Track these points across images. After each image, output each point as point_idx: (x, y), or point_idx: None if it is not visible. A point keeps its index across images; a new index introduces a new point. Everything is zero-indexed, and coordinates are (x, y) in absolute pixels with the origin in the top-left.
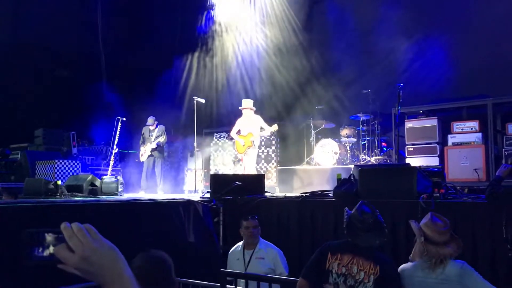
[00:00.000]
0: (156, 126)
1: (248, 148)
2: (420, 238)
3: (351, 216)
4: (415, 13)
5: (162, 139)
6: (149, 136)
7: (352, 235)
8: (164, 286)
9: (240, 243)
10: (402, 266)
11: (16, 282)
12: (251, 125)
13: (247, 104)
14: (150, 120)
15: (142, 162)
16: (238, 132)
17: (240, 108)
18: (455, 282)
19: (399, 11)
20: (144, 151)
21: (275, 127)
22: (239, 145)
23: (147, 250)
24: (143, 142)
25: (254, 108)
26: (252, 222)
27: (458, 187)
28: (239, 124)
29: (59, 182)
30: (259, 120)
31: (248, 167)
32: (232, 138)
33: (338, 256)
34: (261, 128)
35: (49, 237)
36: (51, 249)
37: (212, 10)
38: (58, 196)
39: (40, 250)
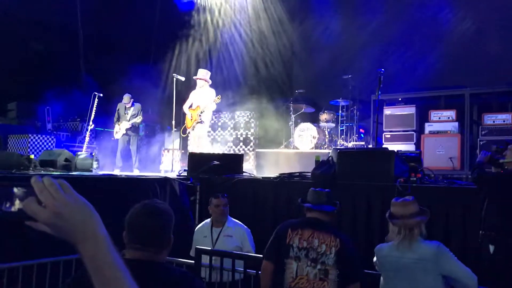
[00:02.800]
0: (132, 105)
1: (196, 123)
2: (387, 217)
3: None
4: (399, 2)
5: (139, 119)
6: (125, 114)
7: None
8: (160, 240)
9: (208, 220)
10: (378, 246)
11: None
12: (202, 98)
13: (200, 74)
14: (126, 97)
15: (117, 139)
16: (191, 106)
17: (194, 77)
18: (430, 262)
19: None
20: (119, 129)
21: (217, 98)
22: (187, 119)
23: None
24: (118, 119)
25: (210, 81)
26: (222, 200)
27: (434, 174)
28: (191, 96)
29: (32, 156)
30: (212, 94)
31: (192, 145)
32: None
33: (299, 231)
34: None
35: (16, 191)
36: (19, 203)
37: None
38: (31, 170)
39: (6, 205)
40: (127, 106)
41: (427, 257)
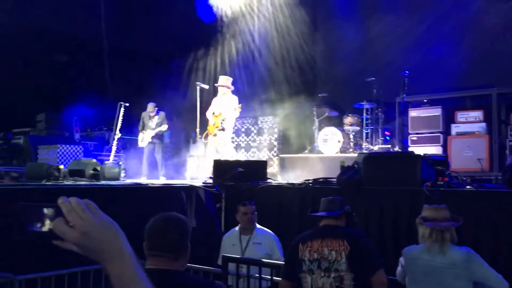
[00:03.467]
0: (157, 113)
1: (217, 129)
2: (419, 219)
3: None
4: (422, 1)
5: (164, 127)
6: (150, 122)
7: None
8: (177, 248)
9: (236, 228)
10: (408, 247)
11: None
12: (223, 105)
13: (222, 81)
14: (150, 106)
15: (142, 148)
16: (213, 113)
17: (215, 85)
18: (461, 268)
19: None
20: (144, 137)
21: (238, 107)
22: (209, 125)
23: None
24: (143, 128)
25: (232, 87)
26: (250, 208)
27: (461, 177)
28: (213, 103)
29: (61, 166)
30: (234, 101)
31: (210, 151)
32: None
33: (308, 243)
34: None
35: (46, 211)
36: (48, 223)
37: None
38: (60, 180)
39: (37, 225)
40: (151, 115)
41: (457, 262)
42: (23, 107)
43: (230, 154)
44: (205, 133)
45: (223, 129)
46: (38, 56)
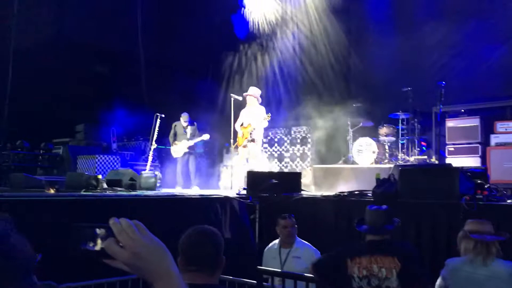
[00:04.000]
0: (190, 123)
1: (247, 140)
2: (465, 232)
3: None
4: (458, 8)
5: (206, 137)
6: (184, 132)
7: (361, 226)
8: (213, 262)
9: (276, 241)
10: (451, 259)
11: (63, 274)
12: (252, 116)
13: (251, 91)
14: (184, 116)
15: (177, 157)
16: (242, 124)
17: (244, 94)
18: (504, 282)
19: (441, 7)
20: (177, 148)
21: (267, 116)
22: (238, 137)
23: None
24: (175, 138)
25: (260, 99)
26: (290, 221)
27: (501, 189)
28: (242, 114)
29: (100, 176)
30: (262, 112)
31: (241, 162)
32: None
33: (357, 259)
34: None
35: (98, 232)
36: (100, 243)
37: (248, 8)
38: (99, 190)
39: (89, 244)
40: (184, 125)
41: (501, 275)
42: (63, 117)
43: (262, 165)
44: (235, 144)
45: (253, 140)
46: (77, 67)
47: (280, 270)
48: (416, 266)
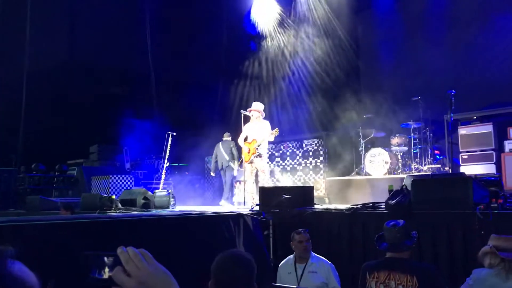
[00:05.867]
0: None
1: (254, 156)
2: (491, 248)
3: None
4: (465, 15)
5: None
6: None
7: (381, 244)
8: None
9: (291, 256)
10: (479, 269)
11: None
12: (257, 131)
13: (255, 106)
14: (227, 135)
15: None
16: (246, 139)
17: (248, 109)
18: None
19: (447, 14)
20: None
21: (275, 131)
22: (244, 153)
23: (230, 250)
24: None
25: (263, 114)
26: (305, 236)
27: None
28: (246, 129)
29: (114, 196)
30: (267, 126)
31: (248, 178)
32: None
33: (375, 274)
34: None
35: (106, 260)
36: (108, 271)
37: (255, 24)
38: (113, 210)
39: (98, 272)
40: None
41: None
42: (77, 139)
43: (268, 179)
44: (240, 160)
45: (259, 155)
46: (89, 89)
47: (296, 287)
48: (434, 285)
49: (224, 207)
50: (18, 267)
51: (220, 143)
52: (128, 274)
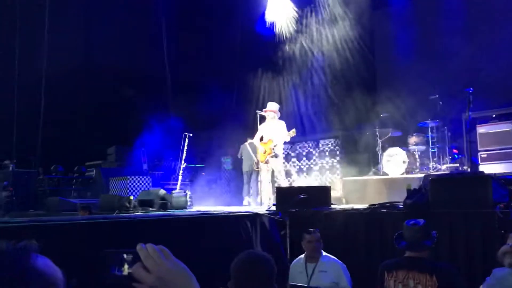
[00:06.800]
0: None
1: (269, 156)
2: (511, 246)
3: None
4: (481, 12)
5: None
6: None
7: (400, 243)
8: (265, 287)
9: (302, 256)
10: (498, 268)
11: None
12: (273, 131)
13: (270, 107)
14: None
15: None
16: (261, 139)
17: (264, 110)
18: None
19: (464, 11)
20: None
21: (292, 132)
22: (259, 153)
23: (251, 250)
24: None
25: (279, 113)
26: (315, 236)
27: None
28: (261, 129)
29: (132, 197)
30: (282, 127)
31: (264, 178)
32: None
33: (394, 273)
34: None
35: (126, 257)
36: (127, 268)
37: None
38: (131, 211)
39: (118, 269)
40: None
41: None
42: (95, 141)
43: (284, 179)
44: (255, 161)
45: (275, 156)
46: (106, 91)
47: (312, 286)
48: (453, 285)
49: (249, 206)
50: (42, 261)
51: (247, 144)
52: (147, 270)
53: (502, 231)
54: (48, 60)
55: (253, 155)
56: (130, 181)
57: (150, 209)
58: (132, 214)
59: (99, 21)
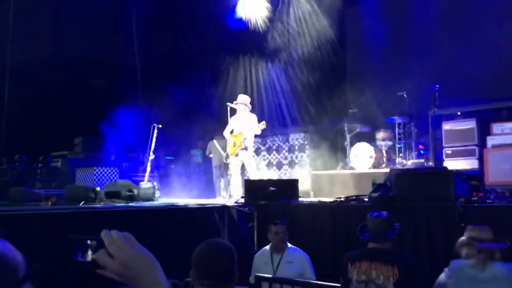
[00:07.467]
0: None
1: (239, 149)
2: (468, 239)
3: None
4: (450, 11)
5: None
6: None
7: (364, 234)
8: (227, 277)
9: (267, 247)
10: (456, 260)
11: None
12: (244, 124)
13: (241, 99)
14: None
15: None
16: (232, 132)
17: (234, 102)
18: (506, 282)
19: (433, 10)
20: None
21: (262, 124)
22: (230, 146)
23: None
24: None
25: (250, 106)
26: (281, 227)
27: (498, 190)
28: (232, 122)
29: (98, 188)
30: (253, 119)
31: (234, 171)
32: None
33: (357, 264)
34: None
35: (90, 243)
36: (91, 254)
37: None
38: (97, 202)
39: (81, 255)
40: None
41: (502, 277)
42: (61, 131)
43: (254, 172)
44: (226, 153)
45: (245, 149)
46: (74, 80)
47: (279, 276)
48: (416, 281)
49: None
50: (2, 244)
51: (215, 141)
52: (111, 256)
53: (462, 224)
54: (13, 48)
55: (221, 151)
56: (97, 172)
57: (117, 200)
58: (98, 205)
59: (67, 10)
